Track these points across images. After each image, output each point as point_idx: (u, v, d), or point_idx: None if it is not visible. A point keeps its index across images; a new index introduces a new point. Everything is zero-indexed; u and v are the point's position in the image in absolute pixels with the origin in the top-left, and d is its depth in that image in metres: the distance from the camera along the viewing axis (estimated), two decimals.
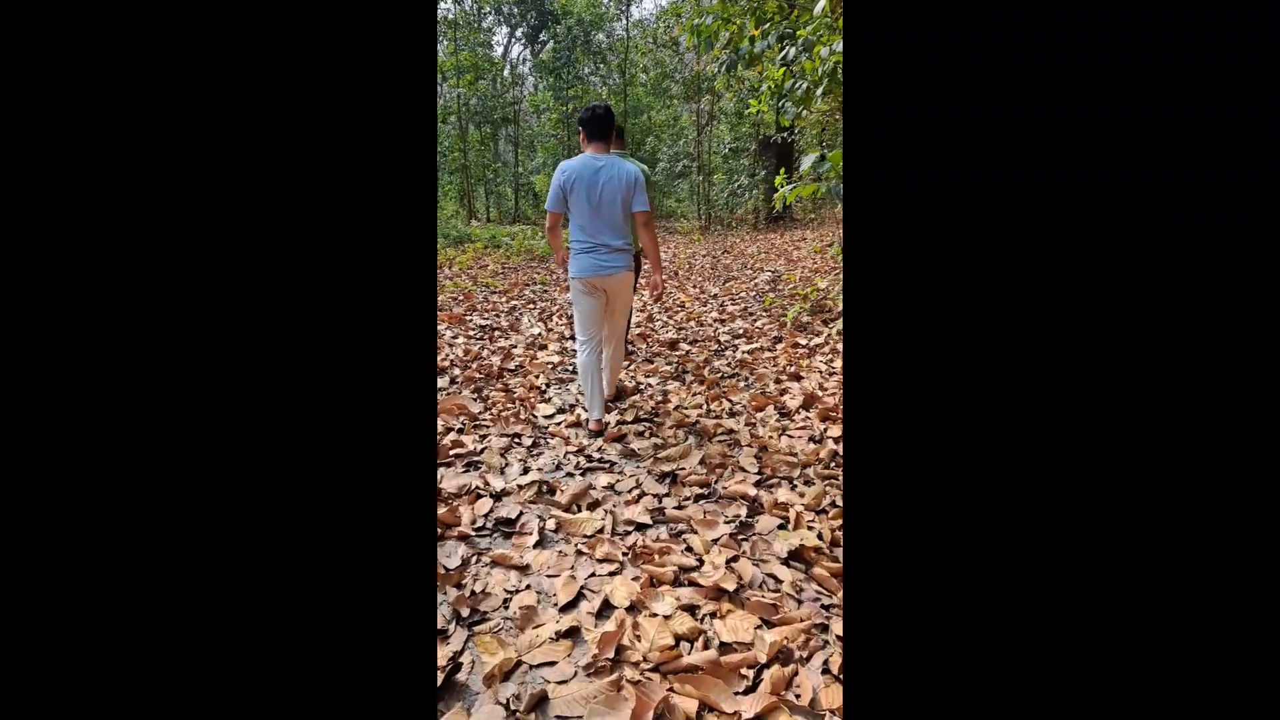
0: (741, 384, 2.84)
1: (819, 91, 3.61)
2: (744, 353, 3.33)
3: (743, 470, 1.96)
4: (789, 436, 2.22)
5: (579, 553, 1.54)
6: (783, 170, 3.67)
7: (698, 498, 1.81)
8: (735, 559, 1.48)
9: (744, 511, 1.70)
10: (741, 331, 3.77)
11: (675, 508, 1.75)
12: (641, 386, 2.84)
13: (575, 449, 2.17)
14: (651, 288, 2.29)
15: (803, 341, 3.38)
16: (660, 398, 2.66)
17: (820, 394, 2.60)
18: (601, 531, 1.63)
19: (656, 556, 1.49)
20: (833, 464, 1.99)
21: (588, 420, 2.33)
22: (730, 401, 2.60)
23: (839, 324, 3.42)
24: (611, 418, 2.46)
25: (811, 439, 2.20)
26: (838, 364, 2.95)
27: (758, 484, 1.87)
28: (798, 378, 2.85)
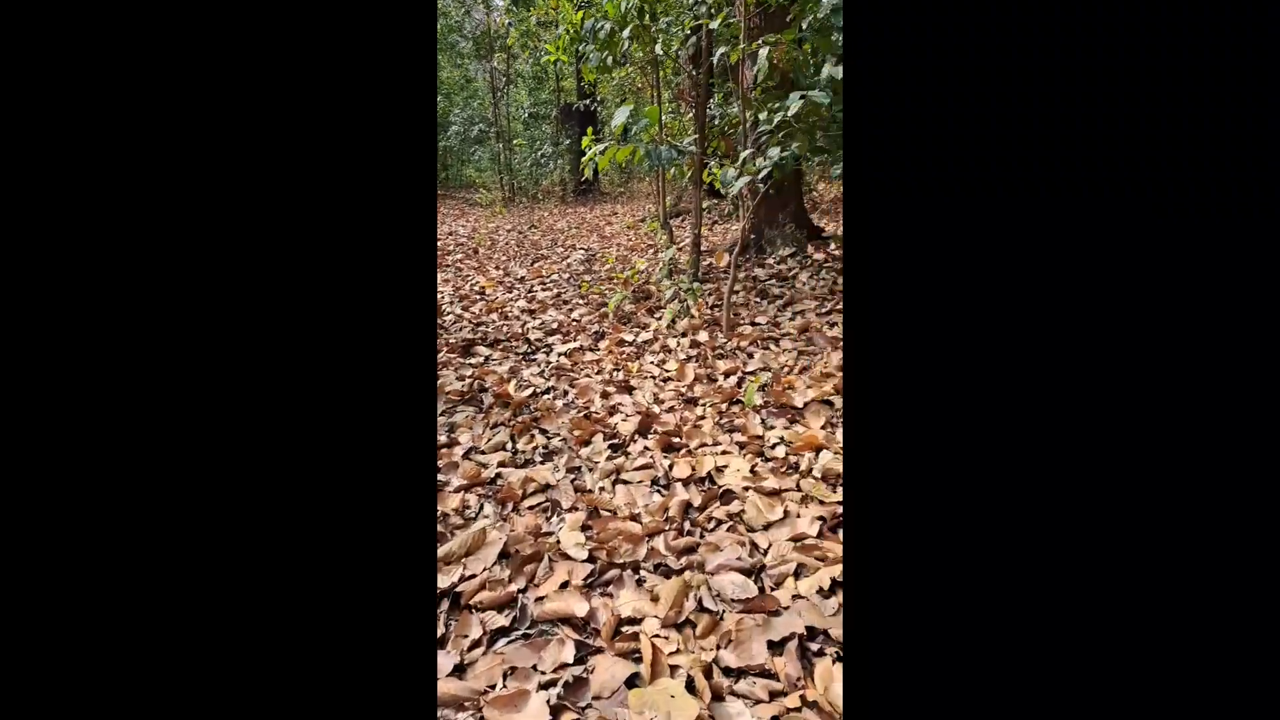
0: (559, 402, 2.19)
1: (625, 34, 3.01)
2: (560, 355, 2.68)
3: (566, 558, 1.32)
4: (625, 483, 1.63)
5: None
6: (590, 130, 3.04)
7: (495, 635, 1.12)
8: None
9: (570, 653, 1.06)
10: (556, 326, 3.11)
11: (453, 671, 1.04)
12: None
13: None
14: None
15: (628, 338, 2.82)
16: (444, 439, 1.90)
17: (657, 410, 2.06)
18: None
19: None
20: (688, 527, 1.44)
21: None
22: (545, 434, 1.93)
23: (667, 314, 2.93)
24: None
25: (655, 484, 1.63)
26: (671, 365, 2.44)
27: (589, 584, 1.25)
28: (628, 388, 2.27)
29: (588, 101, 8.93)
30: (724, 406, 2.07)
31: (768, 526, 1.40)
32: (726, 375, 2.33)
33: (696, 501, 1.52)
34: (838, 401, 2.02)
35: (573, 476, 1.68)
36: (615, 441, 1.86)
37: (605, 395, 2.22)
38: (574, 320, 3.19)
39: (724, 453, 1.77)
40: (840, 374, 2.23)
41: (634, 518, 1.47)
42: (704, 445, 1.82)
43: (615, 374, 2.43)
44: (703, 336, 2.71)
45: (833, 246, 3.93)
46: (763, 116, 2.49)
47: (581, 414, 2.06)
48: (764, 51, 2.38)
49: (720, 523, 1.44)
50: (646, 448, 1.82)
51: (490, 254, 5.44)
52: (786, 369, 2.35)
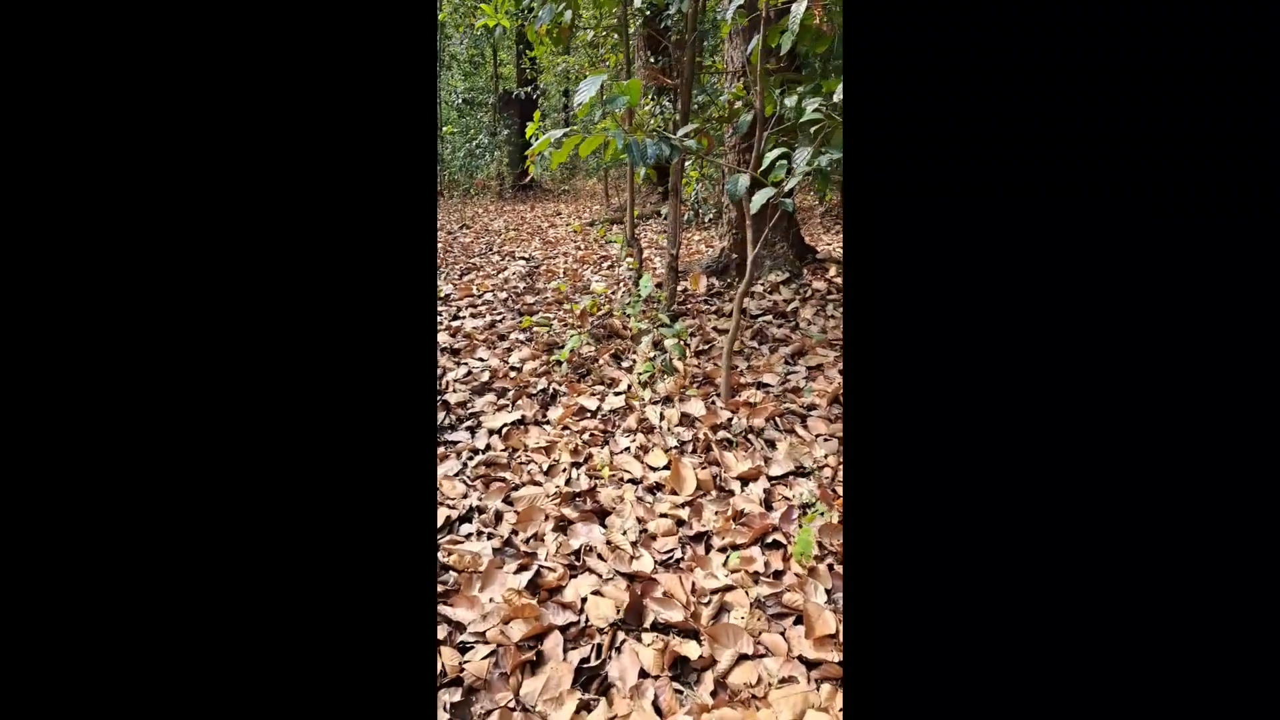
0: (488, 545, 1.35)
1: None
2: (493, 434, 1.84)
3: None
4: None
5: None
6: (537, 116, 2.21)
7: None
8: None
9: None
10: (489, 377, 2.25)
11: None
12: None
13: None
14: None
15: (590, 404, 2.01)
16: None
17: (649, 563, 1.26)
18: None
19: None
20: None
21: None
22: (458, 636, 1.09)
23: (644, 363, 2.13)
24: None
25: None
26: (657, 459, 1.65)
27: None
28: (598, 510, 1.46)
29: (529, 89, 8.01)
30: (756, 554, 1.30)
31: None
32: (744, 483, 1.56)
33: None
34: None
35: None
36: (584, 654, 1.05)
37: (562, 525, 1.41)
38: (513, 370, 2.34)
39: (784, 681, 0.99)
40: None
41: None
42: (742, 658, 1.04)
43: (575, 472, 1.62)
44: (695, 407, 1.93)
45: (832, 272, 3.25)
46: (790, 102, 1.74)
47: (524, 572, 1.23)
48: (800, 7, 1.63)
49: None
50: (643, 671, 1.02)
51: None
52: (828, 469, 1.61)
